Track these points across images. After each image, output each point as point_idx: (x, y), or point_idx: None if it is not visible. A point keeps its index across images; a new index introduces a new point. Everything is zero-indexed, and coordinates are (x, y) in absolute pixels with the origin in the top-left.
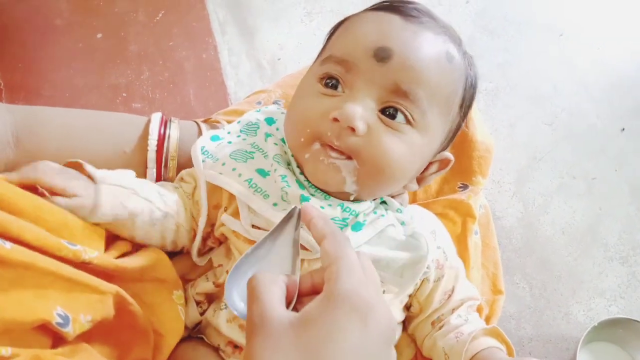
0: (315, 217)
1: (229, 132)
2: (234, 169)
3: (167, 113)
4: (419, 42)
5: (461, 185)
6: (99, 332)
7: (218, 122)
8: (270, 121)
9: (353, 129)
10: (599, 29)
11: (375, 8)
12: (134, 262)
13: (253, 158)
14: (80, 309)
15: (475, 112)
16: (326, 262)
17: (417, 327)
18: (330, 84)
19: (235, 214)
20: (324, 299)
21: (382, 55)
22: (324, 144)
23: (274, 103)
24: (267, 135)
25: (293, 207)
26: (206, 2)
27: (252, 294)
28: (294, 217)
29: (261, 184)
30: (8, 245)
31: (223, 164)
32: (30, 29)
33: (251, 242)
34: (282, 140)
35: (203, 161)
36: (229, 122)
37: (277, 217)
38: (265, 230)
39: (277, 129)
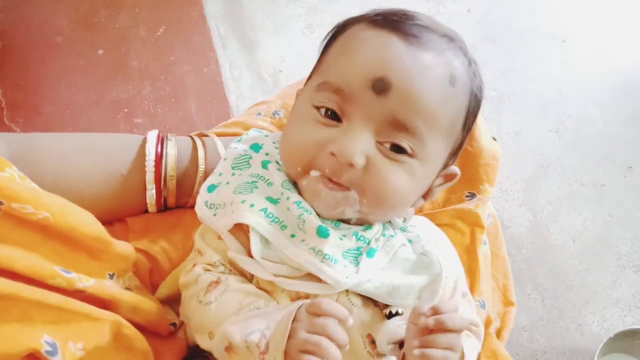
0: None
1: (220, 174)
2: (243, 202)
3: (169, 128)
4: (420, 69)
5: (468, 194)
6: (93, 357)
7: (207, 135)
8: (256, 148)
9: (352, 164)
10: (602, 35)
11: (373, 21)
12: (131, 297)
13: (257, 187)
14: (70, 336)
15: (479, 119)
16: None
17: None
18: (327, 114)
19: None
20: None
21: (380, 88)
22: (322, 175)
23: (273, 114)
24: (265, 162)
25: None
26: (207, 16)
27: None
28: None
29: (277, 213)
30: None
31: (232, 203)
32: (31, 47)
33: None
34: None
35: (214, 215)
36: (220, 134)
37: (296, 254)
38: (276, 262)
39: (267, 154)
